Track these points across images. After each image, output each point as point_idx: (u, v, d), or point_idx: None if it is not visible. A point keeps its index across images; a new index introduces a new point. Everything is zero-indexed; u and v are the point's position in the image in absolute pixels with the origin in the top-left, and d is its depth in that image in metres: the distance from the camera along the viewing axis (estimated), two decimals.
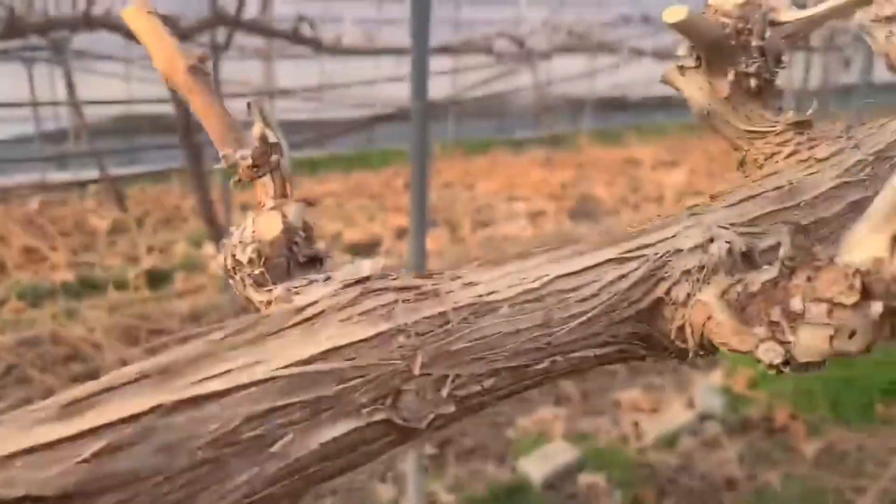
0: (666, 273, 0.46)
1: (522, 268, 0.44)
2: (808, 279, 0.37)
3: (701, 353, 0.46)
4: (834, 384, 4.55)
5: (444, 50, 6.88)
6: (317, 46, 5.17)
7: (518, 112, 11.95)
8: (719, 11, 0.56)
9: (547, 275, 0.43)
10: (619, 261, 0.45)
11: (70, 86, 7.28)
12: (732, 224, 0.50)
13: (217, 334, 0.34)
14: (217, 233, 4.80)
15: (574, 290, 0.44)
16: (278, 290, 0.38)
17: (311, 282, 0.38)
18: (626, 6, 10.90)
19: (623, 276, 0.45)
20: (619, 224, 8.24)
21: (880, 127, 0.61)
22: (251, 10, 5.11)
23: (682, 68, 0.61)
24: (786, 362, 0.39)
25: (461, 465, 4.03)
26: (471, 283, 0.42)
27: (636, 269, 0.45)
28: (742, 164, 0.60)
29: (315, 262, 0.41)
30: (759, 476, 3.94)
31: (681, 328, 0.45)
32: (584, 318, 0.43)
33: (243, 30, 4.81)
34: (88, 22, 4.47)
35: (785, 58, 0.59)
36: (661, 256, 0.46)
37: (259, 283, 0.38)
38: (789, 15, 0.59)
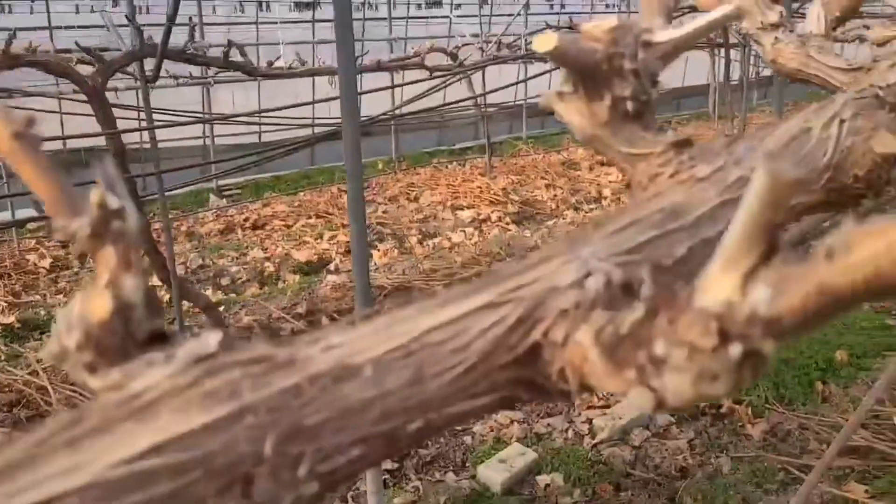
0: (543, 314, 0.44)
1: (390, 322, 0.41)
2: (669, 321, 0.36)
3: (584, 393, 0.44)
4: (775, 366, 4.66)
5: (379, 67, 6.88)
6: (248, 71, 5.10)
7: (457, 123, 12.01)
8: (590, 37, 0.55)
9: (416, 327, 0.41)
10: (494, 305, 0.44)
11: None
12: (612, 254, 0.49)
13: (33, 436, 0.31)
14: (159, 264, 4.70)
15: (446, 340, 0.42)
16: (113, 374, 0.35)
17: (151, 363, 0.35)
18: (550, 15, 11.09)
19: (498, 322, 0.43)
20: (559, 227, 8.33)
21: (762, 139, 0.61)
22: (180, 39, 5.01)
23: (561, 94, 0.60)
24: (659, 404, 0.38)
25: (422, 477, 4.00)
26: (332, 346, 0.39)
27: (512, 313, 0.44)
28: (629, 186, 0.59)
29: (160, 339, 0.38)
30: (710, 462, 4.01)
31: (561, 370, 0.44)
32: (458, 369, 0.41)
33: (170, 59, 4.71)
34: (10, 59, 4.32)
35: (660, 78, 0.58)
36: (537, 296, 0.45)
37: (93, 369, 0.35)
38: (663, 35, 0.58)
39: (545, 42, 0.52)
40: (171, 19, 3.90)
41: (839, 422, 4.01)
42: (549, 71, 8.41)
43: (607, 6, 15.25)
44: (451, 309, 0.43)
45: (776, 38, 0.88)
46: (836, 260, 0.29)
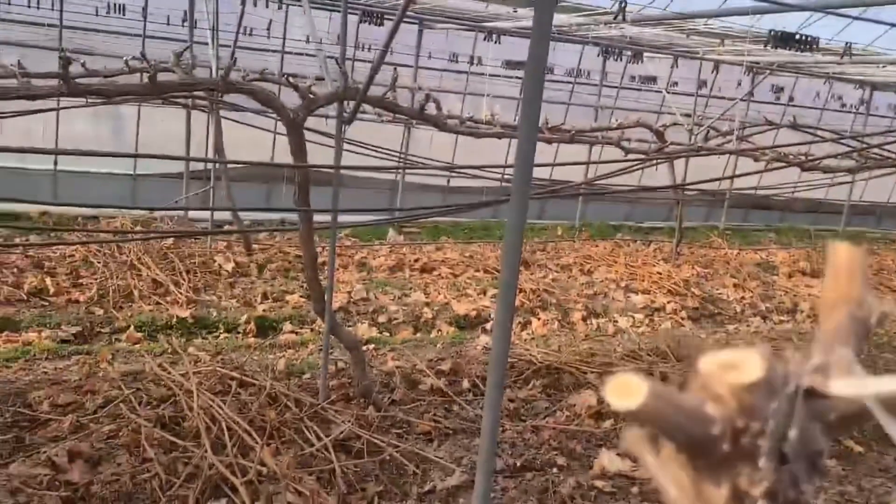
0: None
1: None
2: None
3: None
4: None
5: (571, 140, 6.71)
6: (438, 126, 5.12)
7: (649, 201, 11.55)
8: (708, 391, 0.33)
9: None
10: None
11: (217, 133, 7.68)
12: None
13: None
14: (317, 292, 4.81)
15: None
16: None
17: None
18: (774, 106, 10.25)
19: None
20: (741, 335, 7.61)
21: None
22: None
23: (656, 441, 0.38)
24: None
25: None
26: None
27: None
28: None
29: None
30: None
31: None
32: None
33: (368, 104, 4.85)
34: (227, 86, 4.60)
35: (823, 463, 0.35)
36: None
37: None
38: (842, 387, 0.34)
39: (626, 391, 0.31)
40: (375, 70, 3.99)
41: None
42: (763, 171, 7.78)
43: (843, 106, 14.08)
44: None
45: None
46: None
